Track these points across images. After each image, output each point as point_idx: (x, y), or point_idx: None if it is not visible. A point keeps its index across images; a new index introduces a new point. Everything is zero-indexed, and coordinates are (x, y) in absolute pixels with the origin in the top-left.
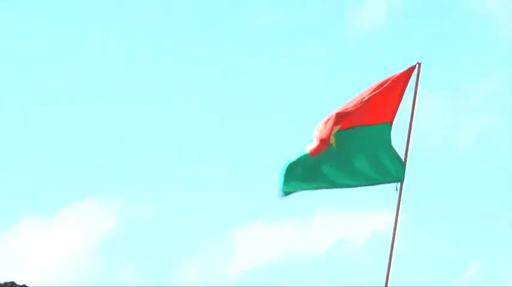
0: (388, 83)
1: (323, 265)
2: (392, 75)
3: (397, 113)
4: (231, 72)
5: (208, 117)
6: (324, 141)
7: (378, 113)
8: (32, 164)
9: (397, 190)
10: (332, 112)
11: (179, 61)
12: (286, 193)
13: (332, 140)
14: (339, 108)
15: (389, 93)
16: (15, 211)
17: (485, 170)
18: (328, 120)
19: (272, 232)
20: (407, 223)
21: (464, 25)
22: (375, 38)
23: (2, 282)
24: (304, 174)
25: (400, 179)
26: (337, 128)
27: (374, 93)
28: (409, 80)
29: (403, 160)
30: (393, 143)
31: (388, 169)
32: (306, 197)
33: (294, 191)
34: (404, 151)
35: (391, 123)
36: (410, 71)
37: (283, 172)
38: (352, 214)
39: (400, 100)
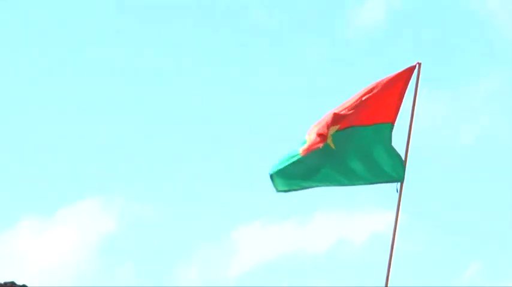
0: (387, 82)
1: (323, 264)
2: (391, 75)
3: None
4: (231, 72)
5: (208, 117)
6: (321, 137)
7: (377, 113)
8: (32, 165)
9: (397, 191)
10: (326, 113)
11: (179, 61)
12: (281, 191)
13: (329, 140)
14: (335, 108)
15: (389, 93)
16: (15, 211)
17: (485, 170)
18: (320, 122)
19: (272, 232)
20: (407, 223)
21: (464, 25)
22: (375, 38)
23: (2, 282)
24: (298, 172)
25: (401, 179)
26: (335, 128)
27: (372, 93)
28: (409, 80)
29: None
30: (393, 143)
31: (385, 169)
32: (305, 197)
33: (289, 190)
34: (404, 151)
35: (392, 123)
36: (410, 71)
37: (272, 171)
38: (352, 214)
39: (401, 100)
